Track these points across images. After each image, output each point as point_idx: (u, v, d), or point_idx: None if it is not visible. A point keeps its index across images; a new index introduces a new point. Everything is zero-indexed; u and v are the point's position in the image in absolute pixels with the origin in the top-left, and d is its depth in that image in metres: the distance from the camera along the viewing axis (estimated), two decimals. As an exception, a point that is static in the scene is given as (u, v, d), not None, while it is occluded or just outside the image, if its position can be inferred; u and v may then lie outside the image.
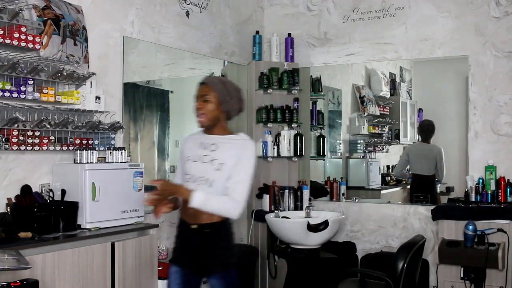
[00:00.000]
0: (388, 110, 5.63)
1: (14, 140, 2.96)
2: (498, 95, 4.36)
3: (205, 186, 2.70)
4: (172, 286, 2.79)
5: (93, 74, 3.36)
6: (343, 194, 5.08)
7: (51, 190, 3.20)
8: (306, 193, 4.86)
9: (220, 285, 2.72)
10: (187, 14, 4.45)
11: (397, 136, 5.49)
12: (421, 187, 4.96)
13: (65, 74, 3.18)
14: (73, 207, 3.10)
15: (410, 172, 5.15)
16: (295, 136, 4.91)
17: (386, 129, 5.61)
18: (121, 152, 3.41)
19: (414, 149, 5.20)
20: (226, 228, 2.74)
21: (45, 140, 3.12)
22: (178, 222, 2.85)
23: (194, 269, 2.75)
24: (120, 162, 3.39)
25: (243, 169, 2.67)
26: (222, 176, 2.67)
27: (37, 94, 3.05)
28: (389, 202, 5.04)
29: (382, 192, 5.38)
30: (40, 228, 2.92)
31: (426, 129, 4.99)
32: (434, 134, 4.94)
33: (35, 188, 3.15)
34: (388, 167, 5.59)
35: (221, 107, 2.73)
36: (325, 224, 4.21)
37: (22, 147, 3.00)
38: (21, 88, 2.98)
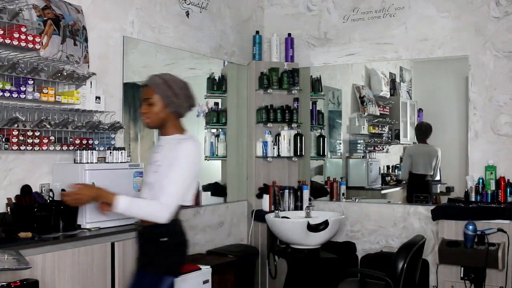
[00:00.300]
0: (388, 110, 5.63)
1: (14, 140, 2.96)
2: (498, 95, 4.36)
3: (146, 190, 2.62)
4: None
5: (93, 74, 3.36)
6: (343, 194, 5.08)
7: (51, 190, 3.20)
8: (306, 193, 4.86)
9: (131, 285, 2.61)
10: (187, 14, 4.45)
11: (397, 136, 5.50)
12: (419, 186, 5.01)
13: (65, 74, 3.18)
14: (73, 207, 3.10)
15: (410, 172, 5.17)
16: (295, 136, 4.91)
17: (386, 129, 5.62)
18: (121, 152, 3.41)
19: (416, 149, 5.21)
20: (162, 233, 2.54)
21: (45, 140, 3.12)
22: None
23: (135, 267, 2.66)
24: (120, 162, 3.39)
25: (173, 170, 2.50)
26: (159, 178, 2.53)
27: (37, 94, 3.05)
28: (389, 202, 5.04)
29: (382, 192, 5.38)
30: (40, 228, 2.92)
31: (424, 130, 5.05)
32: (431, 135, 5.01)
33: (35, 188, 3.15)
34: (388, 167, 5.59)
35: (167, 108, 2.60)
36: (325, 224, 4.21)
37: (22, 147, 3.00)
38: (21, 88, 2.98)
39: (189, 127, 5.16)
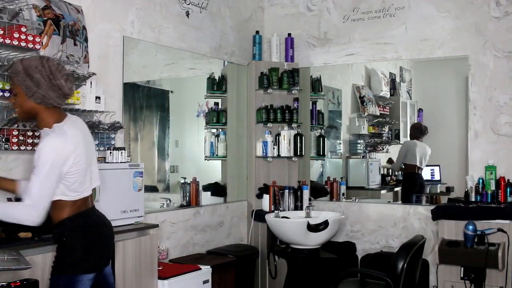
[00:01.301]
0: (388, 110, 5.64)
1: (14, 140, 2.96)
2: (498, 95, 4.36)
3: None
4: None
5: (93, 74, 3.36)
6: (343, 194, 5.08)
7: None
8: (306, 193, 4.85)
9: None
10: (187, 14, 4.45)
11: (397, 136, 5.50)
12: (411, 176, 5.23)
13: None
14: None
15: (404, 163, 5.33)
16: (295, 136, 4.91)
17: (386, 129, 5.62)
18: (121, 152, 3.41)
19: (413, 144, 5.27)
20: (62, 232, 2.45)
21: (45, 140, 3.11)
22: None
23: None
24: (120, 162, 3.39)
25: (34, 168, 2.34)
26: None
27: (37, 94, 3.04)
28: (389, 202, 5.04)
29: (382, 192, 5.39)
30: (40, 228, 2.90)
31: (421, 130, 5.20)
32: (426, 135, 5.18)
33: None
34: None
35: (31, 99, 2.37)
36: (325, 224, 4.21)
37: (22, 147, 3.00)
38: (21, 88, 2.98)
39: (189, 127, 5.18)
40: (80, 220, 2.48)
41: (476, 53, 4.43)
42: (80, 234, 2.46)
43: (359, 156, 5.52)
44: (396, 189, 5.44)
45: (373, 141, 5.53)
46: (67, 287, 2.42)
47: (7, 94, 2.91)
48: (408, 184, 5.27)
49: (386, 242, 4.72)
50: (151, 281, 3.40)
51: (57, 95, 2.40)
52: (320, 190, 5.20)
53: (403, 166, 5.34)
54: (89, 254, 2.47)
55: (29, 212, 2.35)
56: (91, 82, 3.39)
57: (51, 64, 2.41)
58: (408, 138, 5.42)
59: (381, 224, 4.75)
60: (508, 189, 4.16)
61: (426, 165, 5.22)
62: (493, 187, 4.21)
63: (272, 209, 4.72)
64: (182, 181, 4.43)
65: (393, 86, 5.58)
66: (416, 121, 5.38)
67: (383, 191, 5.41)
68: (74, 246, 2.44)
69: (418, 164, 5.20)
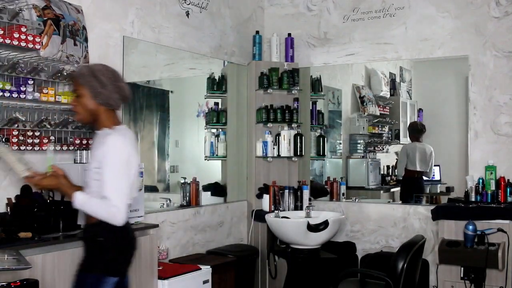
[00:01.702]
0: (388, 110, 5.64)
1: (14, 140, 2.96)
2: (498, 95, 4.36)
3: (86, 188, 2.54)
4: None
5: (93, 74, 3.36)
6: (343, 194, 5.08)
7: (51, 190, 3.20)
8: (306, 193, 4.85)
9: (73, 283, 2.55)
10: (187, 14, 4.45)
11: (397, 136, 5.51)
12: (412, 183, 5.15)
13: (65, 74, 3.18)
14: (73, 207, 3.09)
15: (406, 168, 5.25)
16: (295, 136, 4.91)
17: (386, 129, 5.62)
18: (121, 152, 3.40)
19: (412, 147, 5.24)
20: (100, 232, 2.47)
21: (45, 140, 3.12)
22: None
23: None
24: (120, 162, 3.38)
25: (106, 169, 2.40)
26: (91, 176, 2.48)
27: (37, 94, 3.05)
28: (389, 202, 5.04)
29: (382, 192, 5.39)
30: (40, 228, 2.91)
31: (418, 129, 5.18)
32: (424, 134, 5.15)
33: (35, 188, 3.15)
34: (388, 167, 5.60)
35: (95, 100, 2.47)
36: (325, 224, 4.21)
37: (22, 147, 3.00)
38: (21, 88, 2.98)
39: (189, 127, 5.18)
40: (119, 227, 2.48)
41: (476, 53, 4.43)
42: (116, 237, 2.50)
43: (359, 156, 5.52)
44: (392, 189, 5.44)
45: (373, 141, 5.53)
46: (93, 287, 2.45)
47: (7, 94, 2.91)
48: (406, 190, 5.23)
49: (386, 242, 4.72)
50: (151, 281, 3.40)
51: (119, 97, 2.52)
52: (320, 190, 5.20)
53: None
54: (120, 258, 2.53)
55: (114, 210, 2.40)
56: (91, 82, 3.38)
57: (113, 69, 2.56)
58: (408, 139, 5.42)
59: (381, 224, 4.75)
60: (508, 189, 4.16)
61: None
62: (493, 187, 4.21)
63: (272, 209, 4.72)
64: (182, 181, 4.43)
65: (393, 86, 5.58)
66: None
67: (383, 191, 5.40)
68: (108, 247, 2.48)
69: (418, 169, 5.16)
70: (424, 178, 5.22)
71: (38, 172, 2.56)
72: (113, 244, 2.49)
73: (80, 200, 2.43)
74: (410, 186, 5.15)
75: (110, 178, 2.40)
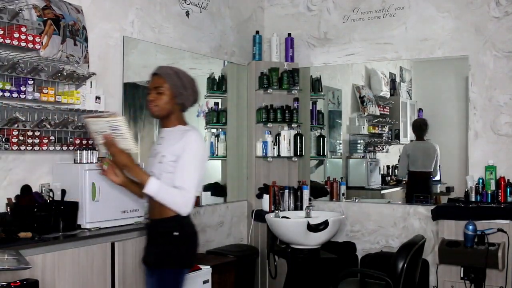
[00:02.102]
0: (388, 110, 5.63)
1: (14, 140, 2.96)
2: (498, 95, 4.36)
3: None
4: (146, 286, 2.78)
5: (93, 74, 3.36)
6: (343, 194, 5.08)
7: (51, 190, 3.20)
8: (306, 193, 4.85)
9: (152, 284, 2.64)
10: (187, 14, 4.45)
11: (397, 136, 5.50)
12: (418, 184, 5.01)
13: (65, 74, 3.18)
14: (73, 207, 3.10)
15: (409, 170, 5.15)
16: (295, 136, 4.91)
17: (386, 129, 5.62)
18: (121, 152, 3.40)
19: (413, 147, 5.20)
20: (175, 226, 2.59)
21: (45, 140, 3.12)
22: None
23: (146, 264, 2.70)
24: (120, 162, 3.38)
25: (185, 162, 2.54)
26: (164, 169, 2.58)
27: (37, 94, 3.05)
28: (389, 202, 5.04)
29: (382, 192, 5.38)
30: (40, 228, 2.92)
31: (419, 127, 5.06)
32: (428, 132, 5.02)
33: (35, 188, 3.15)
34: (388, 167, 5.59)
35: (175, 99, 2.63)
36: (325, 224, 4.20)
37: (22, 147, 3.00)
38: (21, 88, 2.98)
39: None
40: (189, 218, 2.65)
41: (476, 53, 4.43)
42: (189, 231, 2.65)
43: (359, 156, 5.52)
44: (392, 189, 5.43)
45: (373, 141, 5.52)
46: (174, 280, 2.60)
47: (7, 94, 2.91)
48: (411, 191, 5.04)
49: (386, 242, 4.72)
50: (151, 281, 3.40)
51: (193, 99, 2.72)
52: (320, 190, 5.20)
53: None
54: (192, 251, 2.69)
55: (184, 201, 2.54)
56: (91, 82, 3.39)
57: (186, 72, 2.73)
58: (408, 138, 5.41)
59: (381, 224, 4.75)
60: (508, 189, 4.16)
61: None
62: (493, 187, 4.21)
63: (272, 209, 4.72)
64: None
65: (393, 86, 5.57)
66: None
67: (383, 191, 5.40)
68: (183, 241, 2.61)
69: (422, 170, 5.04)
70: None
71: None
72: (187, 237, 2.63)
73: (155, 186, 2.52)
74: (415, 187, 5.03)
75: (186, 170, 2.54)
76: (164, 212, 2.59)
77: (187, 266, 2.67)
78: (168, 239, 2.59)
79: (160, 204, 2.57)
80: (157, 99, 2.63)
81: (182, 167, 2.54)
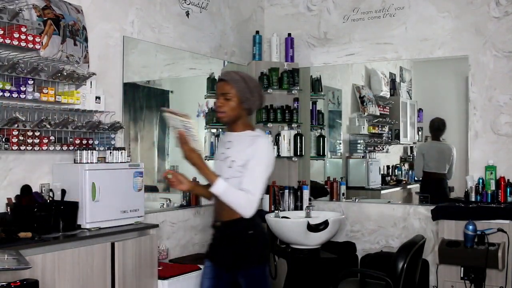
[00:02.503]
0: (388, 110, 5.63)
1: (14, 140, 2.96)
2: (498, 95, 4.36)
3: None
4: (203, 279, 2.84)
5: (93, 74, 3.36)
6: (343, 194, 5.08)
7: (51, 190, 3.20)
8: (306, 193, 4.85)
9: (244, 284, 2.72)
10: (187, 14, 4.45)
11: (397, 136, 5.49)
12: (432, 186, 4.92)
13: (65, 74, 3.18)
14: (73, 207, 3.10)
15: (423, 170, 5.03)
16: (295, 136, 4.91)
17: (386, 129, 5.61)
18: (121, 152, 3.41)
19: (428, 147, 5.10)
20: (248, 226, 2.69)
21: (45, 140, 3.12)
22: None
23: (223, 266, 2.76)
24: (120, 162, 3.39)
25: (253, 166, 2.63)
26: (233, 173, 2.66)
27: (37, 94, 3.05)
28: (389, 202, 5.04)
29: (382, 192, 5.38)
30: (40, 228, 2.92)
31: (437, 127, 4.93)
32: (445, 132, 4.90)
33: (35, 188, 3.15)
34: (388, 167, 5.59)
35: (242, 105, 2.70)
36: (325, 224, 4.20)
37: (22, 147, 3.00)
38: (21, 88, 2.98)
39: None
40: (258, 218, 2.77)
41: (476, 53, 4.43)
42: (261, 230, 2.79)
43: (359, 156, 5.52)
44: (396, 189, 5.42)
45: (373, 141, 5.52)
46: (262, 277, 2.72)
47: (7, 94, 2.91)
48: (426, 193, 4.90)
49: (386, 242, 4.72)
50: (151, 281, 3.40)
51: (259, 104, 2.79)
52: (320, 190, 5.19)
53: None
54: (266, 248, 2.82)
55: (250, 204, 2.64)
56: (91, 82, 3.39)
57: (252, 77, 2.86)
58: (408, 139, 5.42)
59: (381, 224, 4.75)
60: (508, 189, 4.16)
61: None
62: (493, 187, 4.21)
63: (272, 209, 4.72)
64: (182, 181, 4.42)
65: (393, 86, 5.57)
66: (417, 121, 5.35)
67: (383, 191, 5.39)
68: (259, 239, 2.73)
69: (435, 171, 4.93)
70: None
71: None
72: (261, 236, 2.75)
73: (223, 186, 2.61)
74: (430, 188, 4.91)
75: (254, 175, 2.63)
76: (234, 214, 2.67)
77: (266, 262, 2.77)
78: (244, 238, 2.69)
79: (229, 205, 2.66)
80: (224, 105, 2.70)
81: (251, 171, 2.63)
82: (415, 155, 5.27)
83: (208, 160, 4.83)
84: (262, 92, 2.80)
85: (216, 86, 2.80)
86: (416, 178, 5.22)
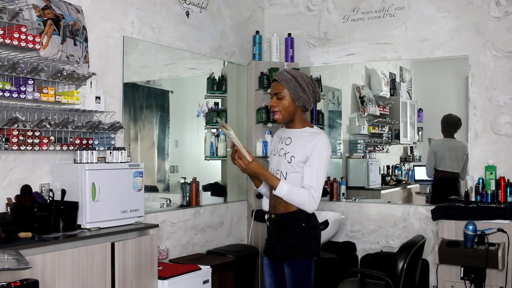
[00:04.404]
0: (388, 110, 5.63)
1: (14, 140, 2.96)
2: (498, 95, 4.36)
3: (281, 179, 2.80)
4: (265, 276, 2.95)
5: (93, 74, 3.36)
6: (343, 194, 5.08)
7: (51, 190, 3.20)
8: (306, 193, 4.84)
9: (289, 275, 2.78)
10: (187, 14, 4.45)
11: (397, 136, 5.49)
12: (445, 185, 4.81)
13: (65, 74, 3.18)
14: (73, 207, 3.10)
15: (435, 169, 4.89)
16: (295, 136, 4.90)
17: (386, 129, 5.61)
18: (121, 152, 3.41)
19: (441, 144, 4.95)
20: (301, 218, 2.78)
21: (45, 140, 3.12)
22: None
23: (275, 257, 2.84)
24: (120, 162, 3.38)
25: (315, 163, 2.74)
26: (292, 169, 2.77)
27: (37, 94, 3.05)
28: (389, 202, 5.04)
29: (382, 192, 5.38)
30: (40, 228, 2.92)
31: (455, 123, 4.70)
32: (459, 130, 4.69)
33: (35, 188, 3.15)
34: (388, 167, 5.59)
35: (295, 103, 2.80)
36: (325, 224, 4.20)
37: (22, 147, 3.00)
38: (21, 88, 2.98)
39: (189, 127, 5.18)
40: (312, 213, 2.84)
41: (476, 53, 4.43)
42: (314, 222, 2.86)
43: (359, 156, 5.52)
44: (396, 189, 5.42)
45: (373, 141, 5.52)
46: (308, 269, 2.79)
47: (7, 94, 2.91)
48: (438, 192, 4.81)
49: (386, 242, 4.72)
50: (151, 281, 3.40)
51: (313, 100, 2.86)
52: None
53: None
54: (319, 240, 2.89)
55: (313, 200, 2.75)
56: (91, 82, 3.39)
57: (310, 76, 2.93)
58: (408, 139, 5.41)
59: (381, 224, 4.75)
60: (508, 189, 4.16)
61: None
62: (493, 187, 4.21)
63: (272, 209, 4.71)
64: (182, 181, 4.43)
65: (393, 86, 5.57)
66: (417, 121, 5.35)
67: (383, 191, 5.39)
68: (311, 232, 2.82)
69: (449, 170, 4.80)
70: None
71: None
72: (314, 228, 2.84)
73: (285, 188, 2.73)
74: (443, 188, 4.79)
75: (317, 171, 2.74)
76: (289, 206, 2.78)
77: (315, 254, 2.84)
78: (297, 231, 2.78)
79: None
80: (278, 104, 2.81)
81: (312, 167, 2.74)
82: (428, 153, 5.02)
83: (208, 160, 4.87)
84: (316, 88, 2.86)
85: (270, 87, 2.92)
86: (427, 178, 5.02)
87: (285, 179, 2.80)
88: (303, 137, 2.82)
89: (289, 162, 2.79)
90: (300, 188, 2.75)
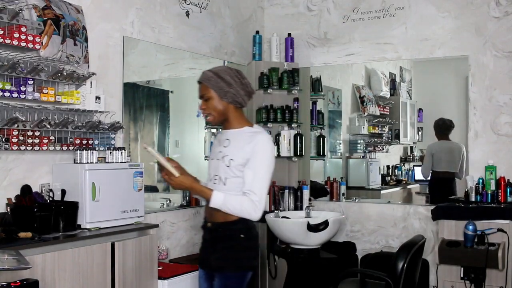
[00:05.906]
0: (388, 110, 5.63)
1: (14, 140, 2.96)
2: (498, 95, 4.36)
3: (220, 184, 2.62)
4: None
5: (93, 74, 3.36)
6: (343, 194, 5.08)
7: (51, 190, 3.20)
8: (306, 193, 4.85)
9: (217, 285, 2.62)
10: (187, 14, 4.45)
11: (397, 136, 5.50)
12: (442, 185, 4.88)
13: (65, 74, 3.18)
14: (73, 207, 3.10)
15: (432, 169, 4.96)
16: (295, 136, 4.91)
17: (386, 129, 5.61)
18: (121, 152, 3.41)
19: (438, 146, 5.01)
20: (241, 229, 2.58)
21: (45, 140, 3.12)
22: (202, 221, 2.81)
23: (209, 269, 2.67)
24: (120, 162, 3.38)
25: (255, 166, 2.52)
26: (232, 173, 2.56)
27: (37, 94, 3.05)
28: (389, 202, 5.04)
29: (382, 192, 5.38)
30: (40, 228, 2.91)
31: (448, 126, 4.83)
32: (452, 131, 4.82)
33: (35, 188, 3.15)
34: (388, 167, 5.59)
35: (224, 100, 2.61)
36: (325, 224, 4.21)
37: (22, 147, 3.00)
38: (21, 88, 2.98)
39: (189, 127, 5.18)
40: (253, 223, 2.64)
41: (476, 53, 4.43)
42: (254, 234, 2.65)
43: (359, 156, 5.52)
44: (396, 189, 5.42)
45: (373, 141, 5.52)
46: (240, 283, 2.57)
47: (7, 94, 2.91)
48: (435, 192, 4.90)
49: (386, 242, 4.72)
50: (151, 281, 3.40)
51: (245, 93, 2.64)
52: (320, 190, 5.19)
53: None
54: (257, 253, 2.68)
55: (255, 207, 2.52)
56: (91, 82, 3.39)
57: (235, 68, 2.70)
58: (408, 139, 5.42)
59: (381, 224, 4.75)
60: (508, 189, 4.16)
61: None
62: (493, 187, 4.21)
63: (272, 209, 4.72)
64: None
65: (393, 86, 5.57)
66: (417, 121, 5.35)
67: (383, 191, 5.39)
68: (250, 244, 2.62)
69: (445, 170, 4.87)
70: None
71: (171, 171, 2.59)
72: (253, 240, 2.63)
73: (220, 199, 2.53)
74: (439, 188, 4.88)
75: (259, 175, 2.52)
76: (229, 216, 2.58)
77: (251, 269, 2.63)
78: (233, 242, 2.59)
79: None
80: (207, 106, 2.64)
81: (253, 170, 2.52)
82: (425, 155, 5.11)
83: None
84: (243, 79, 2.65)
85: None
86: (424, 178, 5.13)
87: (225, 185, 2.58)
88: (241, 137, 2.59)
89: (228, 166, 2.56)
90: (239, 195, 2.53)
